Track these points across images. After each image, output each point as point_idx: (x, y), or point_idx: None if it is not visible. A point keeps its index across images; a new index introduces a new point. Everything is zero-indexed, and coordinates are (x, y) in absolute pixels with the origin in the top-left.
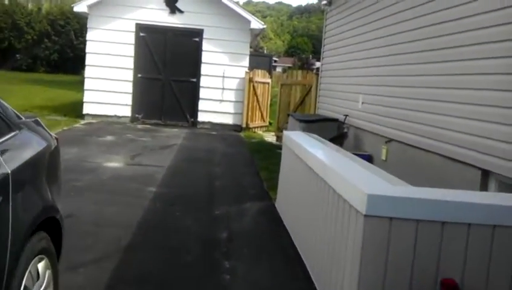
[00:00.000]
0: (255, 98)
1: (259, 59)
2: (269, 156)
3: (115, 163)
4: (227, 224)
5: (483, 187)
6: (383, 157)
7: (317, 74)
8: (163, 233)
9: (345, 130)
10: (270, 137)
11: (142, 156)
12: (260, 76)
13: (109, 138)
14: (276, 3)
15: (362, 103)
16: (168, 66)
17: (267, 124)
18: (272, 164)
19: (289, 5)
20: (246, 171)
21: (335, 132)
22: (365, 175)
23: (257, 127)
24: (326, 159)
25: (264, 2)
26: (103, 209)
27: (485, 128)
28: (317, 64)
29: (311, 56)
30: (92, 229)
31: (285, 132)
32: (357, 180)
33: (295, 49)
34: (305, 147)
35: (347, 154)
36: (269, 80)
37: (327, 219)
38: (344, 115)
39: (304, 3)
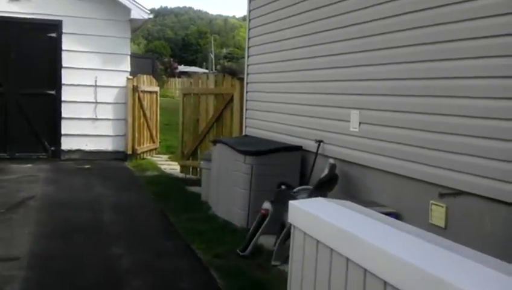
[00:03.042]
0: (142, 112)
1: (138, 61)
2: (185, 203)
3: None
4: None
5: None
6: (437, 222)
7: (240, 79)
8: None
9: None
10: (167, 164)
11: None
12: (146, 83)
13: None
14: None
15: (360, 123)
16: (13, 73)
17: (158, 145)
18: (198, 220)
19: None
20: (168, 248)
21: (298, 167)
22: None
23: (146, 152)
24: None
25: None
26: None
27: None
28: (180, 67)
29: (171, 59)
30: None
31: (296, 204)
32: None
33: (153, 52)
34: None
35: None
36: (157, 88)
37: None
38: (316, 141)
39: (157, 6)
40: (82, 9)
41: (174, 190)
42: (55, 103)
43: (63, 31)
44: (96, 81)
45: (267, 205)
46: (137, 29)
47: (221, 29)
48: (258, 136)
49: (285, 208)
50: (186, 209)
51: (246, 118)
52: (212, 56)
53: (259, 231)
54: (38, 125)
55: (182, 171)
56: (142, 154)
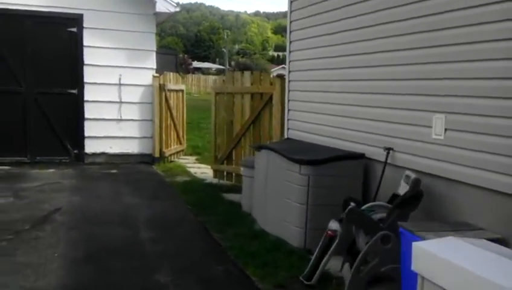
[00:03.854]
0: (169, 112)
1: (161, 57)
2: (225, 215)
3: None
4: None
5: None
6: None
7: (281, 77)
8: None
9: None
10: (197, 168)
11: None
12: (172, 81)
13: None
14: None
15: (446, 129)
16: (31, 71)
17: (185, 146)
18: (245, 236)
19: None
20: (219, 275)
21: (361, 178)
22: None
23: (174, 154)
24: None
25: None
26: None
27: None
28: (194, 64)
29: (185, 55)
30: None
31: (425, 248)
32: None
33: (166, 49)
34: None
35: None
36: (183, 87)
37: None
38: (385, 149)
39: None
40: (104, 2)
41: (210, 198)
42: (78, 102)
43: (84, 25)
44: (120, 79)
45: (334, 225)
46: (162, 23)
47: (233, 25)
48: (303, 140)
49: (358, 229)
50: (228, 222)
51: (287, 119)
52: (226, 52)
53: (327, 255)
54: (60, 127)
55: (215, 177)
56: (169, 157)
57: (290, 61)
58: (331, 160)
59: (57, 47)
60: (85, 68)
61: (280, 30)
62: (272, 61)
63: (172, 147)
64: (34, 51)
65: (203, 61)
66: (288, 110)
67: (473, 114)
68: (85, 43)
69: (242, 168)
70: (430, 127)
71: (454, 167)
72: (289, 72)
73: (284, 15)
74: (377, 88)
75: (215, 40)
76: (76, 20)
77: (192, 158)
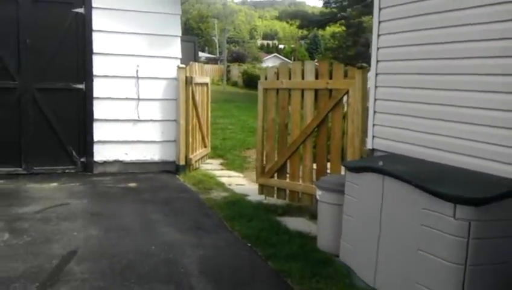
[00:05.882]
0: (194, 111)
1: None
2: (303, 258)
3: None
4: None
5: None
6: None
7: (362, 69)
8: None
9: None
10: (227, 176)
11: None
12: (198, 73)
13: None
14: None
15: None
16: (27, 62)
17: (209, 149)
18: None
19: None
20: None
21: None
22: None
23: (199, 160)
24: None
25: None
26: None
27: None
28: None
29: None
30: None
31: None
32: None
33: None
34: None
35: None
36: (208, 79)
37: None
38: None
39: None
40: None
41: (269, 228)
42: (85, 100)
43: (94, 5)
44: (138, 71)
45: None
46: (183, 3)
47: (220, 13)
48: (406, 155)
49: None
50: (314, 272)
51: (373, 124)
52: (223, 40)
53: None
54: (63, 130)
55: (261, 193)
56: (195, 163)
57: (378, 48)
58: (502, 196)
59: (60, 32)
60: (94, 58)
61: (284, 17)
62: (262, 50)
63: (197, 152)
64: (32, 38)
65: None
66: (375, 112)
67: None
68: (94, 26)
69: (320, 192)
70: None
71: None
72: (377, 62)
73: (270, 4)
74: None
75: (204, 29)
76: None
77: (216, 162)
